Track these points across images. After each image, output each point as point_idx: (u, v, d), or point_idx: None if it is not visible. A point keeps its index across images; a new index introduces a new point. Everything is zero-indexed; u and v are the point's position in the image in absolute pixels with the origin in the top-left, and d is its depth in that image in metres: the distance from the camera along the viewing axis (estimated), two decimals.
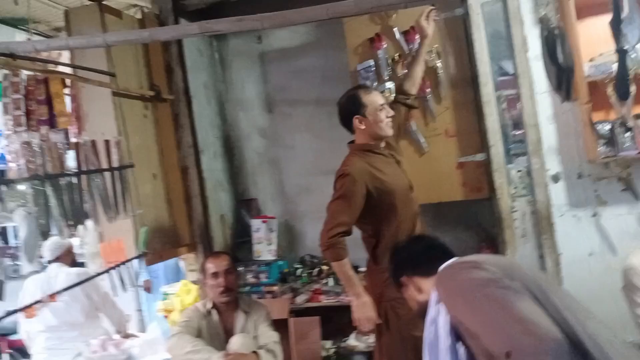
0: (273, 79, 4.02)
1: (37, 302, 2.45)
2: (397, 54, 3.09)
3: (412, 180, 3.12)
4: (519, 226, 2.91)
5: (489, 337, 1.21)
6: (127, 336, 3.70)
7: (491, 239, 3.32)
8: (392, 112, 2.42)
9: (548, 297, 1.27)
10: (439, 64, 3.01)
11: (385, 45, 3.09)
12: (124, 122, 3.01)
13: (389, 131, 2.43)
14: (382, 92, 3.01)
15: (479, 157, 3.00)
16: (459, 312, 1.31)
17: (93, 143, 2.69)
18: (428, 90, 3.01)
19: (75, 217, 2.52)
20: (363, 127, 2.42)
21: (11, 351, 5.46)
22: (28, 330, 3.65)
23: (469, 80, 3.01)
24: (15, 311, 2.65)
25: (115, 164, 2.78)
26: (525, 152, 2.87)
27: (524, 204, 2.91)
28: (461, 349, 1.32)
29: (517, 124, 2.91)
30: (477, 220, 3.45)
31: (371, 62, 3.09)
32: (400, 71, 3.05)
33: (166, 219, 3.39)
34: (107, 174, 2.73)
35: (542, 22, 2.62)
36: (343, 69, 3.33)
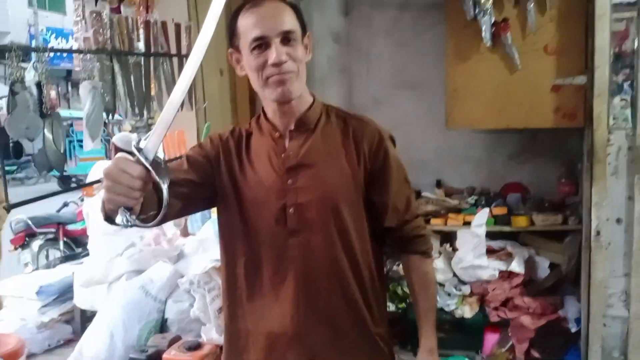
0: None
1: (96, 181, 2.45)
2: None
3: (501, 100, 2.84)
4: (612, 162, 2.62)
5: None
6: (186, 235, 3.75)
7: (574, 173, 3.06)
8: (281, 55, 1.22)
9: None
10: None
11: None
12: (196, 7, 2.86)
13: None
14: None
15: (579, 80, 2.68)
16: None
17: (163, 25, 2.59)
18: None
19: (140, 99, 2.44)
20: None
21: (66, 239, 5.76)
22: (88, 212, 3.74)
23: None
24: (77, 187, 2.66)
25: (184, 50, 2.66)
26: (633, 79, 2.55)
27: (621, 138, 2.61)
28: None
29: None
30: (564, 152, 3.18)
31: None
32: None
33: (229, 117, 3.31)
34: (175, 60, 2.64)
35: None
36: None
